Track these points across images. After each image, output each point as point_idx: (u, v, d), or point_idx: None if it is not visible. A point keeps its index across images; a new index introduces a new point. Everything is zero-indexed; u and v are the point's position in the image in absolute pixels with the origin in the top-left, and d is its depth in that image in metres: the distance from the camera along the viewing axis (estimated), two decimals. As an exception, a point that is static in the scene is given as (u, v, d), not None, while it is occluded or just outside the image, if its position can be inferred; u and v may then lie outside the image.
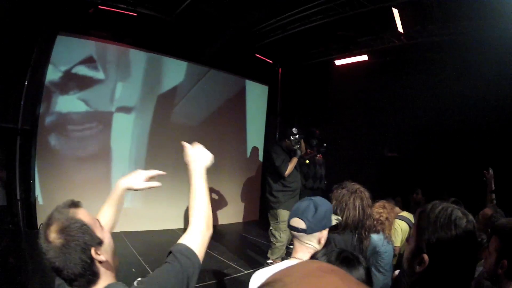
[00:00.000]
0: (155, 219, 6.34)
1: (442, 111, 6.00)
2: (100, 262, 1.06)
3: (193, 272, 1.06)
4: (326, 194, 2.30)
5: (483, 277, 1.49)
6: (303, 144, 4.89)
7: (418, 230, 1.14)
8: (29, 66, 5.23)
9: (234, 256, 5.24)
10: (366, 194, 2.23)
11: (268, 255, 4.51)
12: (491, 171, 3.80)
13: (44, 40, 5.32)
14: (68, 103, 5.63)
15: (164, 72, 6.72)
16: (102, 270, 1.07)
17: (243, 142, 8.13)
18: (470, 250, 1.08)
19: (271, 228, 4.57)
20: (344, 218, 2.10)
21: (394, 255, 3.11)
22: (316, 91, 8.40)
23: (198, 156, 1.42)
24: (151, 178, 1.59)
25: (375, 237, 2.78)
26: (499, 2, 4.79)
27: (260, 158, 8.27)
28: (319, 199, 1.68)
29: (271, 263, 4.11)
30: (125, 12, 5.61)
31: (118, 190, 1.53)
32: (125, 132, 6.26)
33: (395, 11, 5.41)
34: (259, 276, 1.56)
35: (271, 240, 4.54)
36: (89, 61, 5.76)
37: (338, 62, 7.33)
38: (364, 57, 6.88)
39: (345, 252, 1.15)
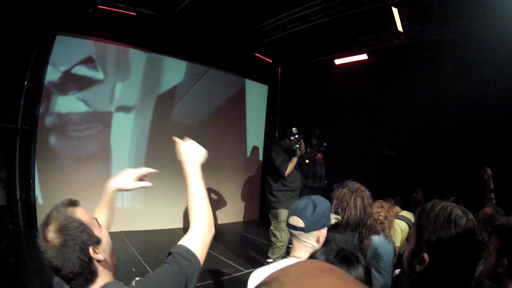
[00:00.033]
0: (155, 218, 6.34)
1: (442, 110, 6.00)
2: (98, 261, 1.06)
3: (193, 274, 1.06)
4: (326, 193, 2.30)
5: (483, 276, 1.49)
6: (302, 144, 4.88)
7: (418, 229, 1.14)
8: (29, 66, 5.22)
9: (234, 256, 5.24)
10: (366, 193, 2.22)
11: (269, 254, 4.50)
12: (489, 170, 3.80)
13: (43, 40, 5.31)
14: (67, 103, 5.63)
15: (164, 71, 6.71)
16: (100, 269, 1.07)
17: (243, 142, 8.13)
18: (470, 249, 1.08)
19: (271, 227, 4.56)
20: (345, 217, 2.10)
21: (394, 255, 3.10)
22: (316, 91, 8.40)
23: (192, 153, 1.41)
24: (143, 177, 1.54)
25: (376, 239, 2.77)
26: (498, 2, 4.79)
27: (260, 158, 8.27)
28: (317, 198, 1.68)
29: (271, 263, 4.11)
30: (124, 11, 5.60)
31: (108, 191, 1.50)
32: (125, 132, 6.26)
33: (395, 10, 5.41)
34: (258, 275, 1.56)
35: (272, 239, 4.53)
36: (88, 61, 5.75)
37: (338, 61, 7.33)
38: (364, 57, 6.88)
39: (344, 251, 1.15)
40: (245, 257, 5.27)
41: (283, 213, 4.43)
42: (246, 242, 6.32)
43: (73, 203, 1.10)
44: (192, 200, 1.27)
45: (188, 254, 1.07)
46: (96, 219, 1.14)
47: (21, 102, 5.23)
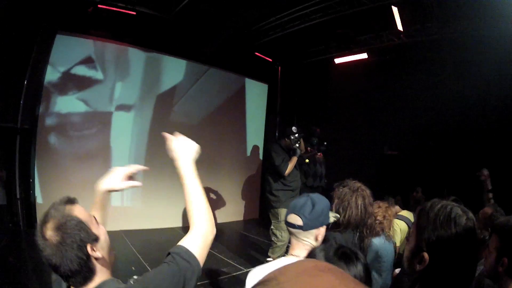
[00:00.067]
0: (154, 217, 6.34)
1: (442, 109, 6.00)
2: (96, 258, 1.06)
3: (192, 276, 1.05)
4: (327, 192, 2.29)
5: (483, 276, 1.49)
6: (302, 143, 4.87)
7: (417, 229, 1.14)
8: (29, 65, 5.22)
9: (234, 255, 5.24)
10: (367, 192, 2.21)
11: (269, 253, 4.50)
12: (485, 171, 3.79)
13: (43, 39, 5.31)
14: (67, 103, 5.63)
15: (163, 71, 6.71)
16: (98, 266, 1.07)
17: (243, 141, 8.13)
18: (471, 248, 1.07)
19: (272, 227, 4.56)
20: (346, 217, 2.09)
21: (395, 254, 3.09)
22: (316, 90, 8.40)
23: (183, 149, 1.33)
24: (133, 175, 1.50)
25: (377, 241, 2.76)
26: (499, 1, 4.78)
27: (260, 157, 8.27)
28: (316, 196, 1.66)
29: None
30: (124, 11, 5.59)
31: (99, 193, 1.48)
32: (125, 131, 6.26)
33: (395, 9, 5.40)
34: (256, 273, 1.55)
35: (272, 239, 4.52)
36: (88, 61, 5.75)
37: (337, 61, 7.32)
38: (364, 56, 6.87)
39: (343, 247, 1.15)
40: (245, 256, 5.27)
41: (283, 212, 4.42)
42: (246, 241, 6.32)
43: (71, 201, 1.10)
44: (189, 201, 1.22)
45: (187, 255, 1.06)
46: (94, 216, 1.15)
47: (21, 102, 5.22)
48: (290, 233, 1.65)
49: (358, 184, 2.22)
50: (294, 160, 4.61)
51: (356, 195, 2.14)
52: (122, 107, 6.20)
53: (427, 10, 5.51)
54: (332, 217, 1.71)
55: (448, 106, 5.87)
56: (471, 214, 1.10)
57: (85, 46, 5.72)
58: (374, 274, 2.74)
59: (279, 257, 4.39)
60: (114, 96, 6.10)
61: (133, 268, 4.20)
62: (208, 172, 7.19)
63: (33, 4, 4.96)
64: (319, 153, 5.80)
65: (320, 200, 1.65)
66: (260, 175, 8.05)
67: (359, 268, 1.10)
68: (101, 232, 1.12)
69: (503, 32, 4.99)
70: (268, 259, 4.40)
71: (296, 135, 4.62)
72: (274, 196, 4.57)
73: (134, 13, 5.63)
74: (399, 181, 6.08)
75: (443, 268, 1.06)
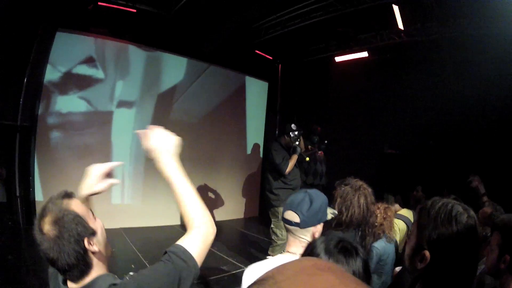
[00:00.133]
0: (154, 215, 6.34)
1: (442, 108, 5.99)
2: (93, 252, 1.07)
3: (188, 275, 1.04)
4: (327, 191, 2.28)
5: (484, 272, 1.49)
6: (302, 141, 4.85)
7: (418, 227, 1.13)
8: (29, 62, 5.21)
9: (234, 253, 5.24)
10: (369, 190, 2.18)
11: (269, 252, 4.49)
12: (475, 178, 3.77)
13: (43, 36, 5.29)
14: (68, 100, 5.62)
15: (164, 68, 6.70)
16: (95, 260, 1.08)
17: (243, 139, 8.12)
18: (472, 246, 1.07)
19: (272, 226, 4.54)
20: (348, 216, 2.06)
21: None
22: (316, 88, 8.39)
23: (163, 145, 1.23)
24: (111, 171, 1.39)
25: (378, 245, 2.76)
26: (499, 1, 4.77)
27: (260, 155, 8.27)
28: (314, 192, 1.63)
29: (270, 260, 4.09)
30: (124, 8, 5.58)
31: (81, 200, 1.36)
32: (126, 129, 6.25)
33: (396, 8, 5.39)
34: (252, 270, 1.53)
35: (273, 237, 4.50)
36: (88, 58, 5.74)
37: (338, 59, 7.31)
38: (364, 54, 6.85)
39: (344, 241, 1.13)
40: (245, 254, 5.27)
41: (283, 211, 4.40)
42: (246, 239, 6.32)
43: (68, 195, 1.10)
44: (183, 202, 1.16)
45: (185, 255, 1.05)
46: (91, 210, 1.15)
47: (21, 99, 5.21)
48: (287, 229, 1.63)
49: (360, 183, 2.19)
50: (295, 158, 4.59)
51: (358, 194, 2.11)
52: (122, 105, 6.19)
53: (427, 10, 5.50)
54: (330, 213, 1.67)
55: (448, 105, 5.86)
56: (472, 212, 1.10)
57: (85, 44, 5.71)
58: (375, 276, 2.74)
59: (279, 255, 4.38)
60: (114, 93, 6.10)
61: (132, 266, 4.20)
62: (208, 170, 7.20)
63: (33, 1, 4.95)
64: (319, 152, 5.79)
65: (318, 196, 1.62)
66: (260, 173, 8.05)
67: (358, 263, 1.08)
68: (98, 226, 1.13)
69: (504, 31, 4.98)
70: (268, 257, 4.39)
71: (296, 132, 4.60)
72: (275, 194, 4.55)
73: (135, 10, 5.62)
74: (399, 180, 6.07)
75: (445, 266, 1.06)
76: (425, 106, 6.22)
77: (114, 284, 1.03)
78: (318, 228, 1.60)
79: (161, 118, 6.60)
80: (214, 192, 7.10)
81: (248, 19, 6.05)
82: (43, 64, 5.30)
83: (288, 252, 1.60)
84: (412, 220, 3.47)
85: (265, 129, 8.53)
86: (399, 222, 3.51)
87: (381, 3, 5.26)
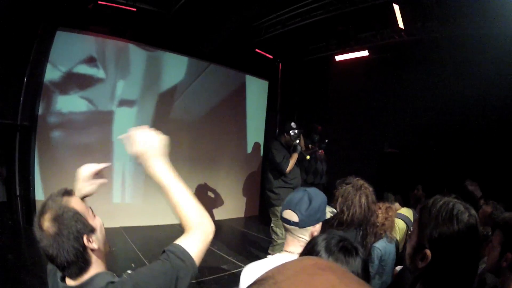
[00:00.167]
0: (154, 214, 6.33)
1: (442, 108, 5.98)
2: (92, 250, 1.08)
3: (185, 275, 1.04)
4: (327, 190, 2.27)
5: (486, 270, 1.49)
6: (302, 139, 4.84)
7: (419, 225, 1.13)
8: (29, 61, 5.20)
9: (234, 252, 5.24)
10: (370, 189, 2.18)
11: (269, 251, 4.48)
12: (470, 183, 3.78)
13: (43, 35, 5.29)
14: (68, 100, 5.62)
15: (164, 67, 6.69)
16: (94, 258, 1.09)
17: (243, 137, 8.12)
18: (473, 245, 1.07)
19: (272, 225, 4.53)
20: (349, 215, 2.05)
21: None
22: (317, 87, 8.39)
23: (149, 147, 1.17)
24: (100, 172, 1.38)
25: (379, 246, 2.75)
26: (499, 1, 4.77)
27: (261, 154, 8.27)
28: (313, 191, 1.62)
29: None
30: (124, 7, 5.57)
31: None
32: (126, 128, 6.20)
33: (396, 7, 5.39)
34: (250, 269, 1.52)
35: (273, 237, 4.49)
36: (88, 57, 5.73)
37: (338, 58, 7.29)
38: (365, 53, 6.84)
39: (345, 241, 1.13)
40: (245, 253, 5.27)
41: (283, 210, 4.38)
42: (246, 238, 6.32)
43: (68, 193, 1.11)
44: (177, 203, 1.14)
45: (183, 255, 1.05)
46: (90, 208, 1.16)
47: (21, 98, 5.20)
48: (285, 229, 1.62)
49: (361, 182, 2.18)
50: (295, 157, 4.58)
51: (359, 194, 2.10)
52: (123, 104, 6.20)
53: (427, 9, 5.49)
54: (329, 212, 1.66)
55: (449, 104, 5.85)
56: (473, 211, 1.10)
57: (86, 43, 5.70)
58: (376, 276, 2.73)
59: (279, 255, 4.37)
60: (115, 93, 6.10)
61: (132, 265, 4.20)
62: (208, 169, 7.21)
63: (33, 0, 4.94)
64: (320, 151, 5.78)
65: (318, 195, 1.60)
66: (261, 172, 8.04)
67: (357, 264, 1.08)
68: (97, 223, 1.14)
69: (504, 31, 4.98)
70: (269, 256, 4.38)
71: (296, 131, 4.59)
72: (275, 193, 4.54)
73: (135, 9, 5.62)
74: (399, 179, 6.06)
75: (446, 265, 1.05)
76: (425, 105, 6.22)
77: (112, 282, 1.03)
78: (317, 228, 1.58)
79: (161, 117, 6.61)
80: (214, 191, 7.10)
81: (248, 18, 6.04)
82: (43, 63, 5.29)
83: (287, 251, 1.59)
84: (412, 219, 3.47)
85: (265, 128, 8.53)
86: (399, 221, 3.50)
87: (382, 2, 5.25)
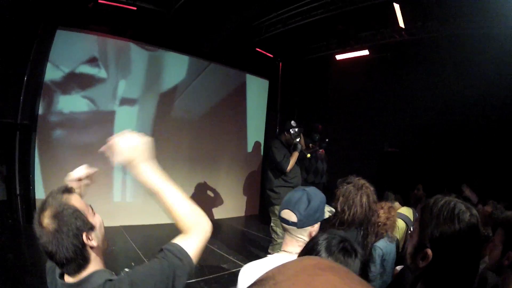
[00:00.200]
0: (154, 213, 6.31)
1: (442, 107, 5.98)
2: (92, 247, 1.09)
3: (182, 273, 1.04)
4: (328, 189, 2.27)
5: (487, 268, 1.50)
6: (302, 138, 4.82)
7: (421, 225, 1.13)
8: (29, 60, 5.20)
9: (234, 251, 5.24)
10: (371, 189, 2.17)
11: (269, 250, 4.46)
12: (466, 188, 3.79)
13: (43, 34, 5.28)
14: (70, 99, 5.63)
15: (164, 66, 6.69)
16: (92, 255, 1.09)
17: (244, 136, 8.13)
18: (474, 244, 1.07)
19: (272, 224, 4.51)
20: (350, 215, 2.05)
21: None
22: (317, 86, 8.38)
23: (135, 153, 1.12)
24: (88, 177, 1.41)
25: (381, 245, 2.75)
26: (499, 0, 4.76)
27: (261, 153, 8.27)
28: (313, 191, 1.60)
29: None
30: (124, 6, 5.57)
31: None
32: (128, 127, 6.18)
33: (396, 6, 5.38)
34: (248, 270, 1.52)
35: (273, 236, 4.47)
36: (89, 57, 5.73)
37: (338, 57, 7.29)
38: (365, 52, 6.84)
39: (346, 242, 1.13)
40: (245, 252, 5.27)
41: (283, 209, 4.37)
42: (246, 237, 6.32)
43: (68, 190, 1.12)
44: (172, 208, 1.12)
45: (180, 253, 1.05)
46: (90, 206, 1.16)
47: (21, 97, 5.20)
48: (284, 228, 1.61)
49: (362, 181, 2.18)
50: (296, 155, 4.56)
51: (360, 193, 2.10)
52: (124, 103, 6.20)
53: (427, 8, 5.49)
54: (327, 211, 1.64)
55: (449, 104, 5.85)
56: (474, 211, 1.09)
57: (86, 42, 5.69)
58: (377, 276, 2.73)
59: (279, 254, 4.36)
60: (116, 92, 6.10)
61: (133, 264, 4.20)
62: (208, 168, 7.20)
63: (33, -1, 4.95)
64: (320, 150, 5.77)
65: (317, 195, 1.59)
66: (261, 172, 8.04)
67: (356, 265, 1.09)
68: (96, 221, 1.14)
69: (504, 31, 4.98)
70: (268, 256, 4.37)
71: (296, 129, 4.57)
72: (275, 193, 4.52)
73: (135, 8, 5.61)
74: (399, 178, 6.07)
75: (447, 265, 1.05)
76: (426, 105, 6.22)
77: (110, 280, 1.04)
78: (315, 228, 1.58)
79: (162, 116, 6.62)
80: (214, 190, 7.09)
81: (249, 16, 6.03)
82: (43, 63, 5.29)
83: (285, 251, 1.58)
84: (411, 219, 3.47)
85: (265, 127, 8.53)
86: (399, 220, 3.49)
87: (382, 1, 5.25)
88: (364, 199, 2.10)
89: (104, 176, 5.82)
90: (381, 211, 2.83)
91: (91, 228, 1.09)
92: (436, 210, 1.09)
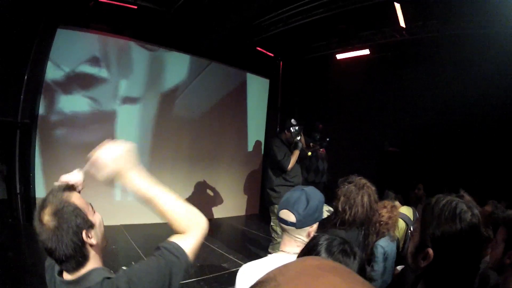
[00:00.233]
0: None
1: (443, 107, 5.98)
2: (91, 245, 1.10)
3: (179, 270, 1.05)
4: (328, 189, 2.27)
5: (488, 267, 1.50)
6: (302, 137, 4.81)
7: (422, 224, 1.13)
8: (29, 59, 5.19)
9: (235, 250, 5.24)
10: (372, 189, 2.17)
11: (269, 250, 4.45)
12: (463, 193, 3.78)
13: (43, 33, 5.28)
14: (71, 98, 5.62)
15: (165, 65, 6.68)
16: (92, 253, 1.10)
17: (244, 136, 8.12)
18: (475, 244, 1.07)
19: (272, 223, 4.49)
20: (352, 215, 2.05)
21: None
22: (317, 85, 8.38)
23: (120, 164, 1.09)
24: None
25: (383, 244, 2.75)
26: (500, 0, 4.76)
27: (262, 152, 8.26)
28: (311, 190, 1.59)
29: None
30: (125, 5, 5.56)
31: None
32: (129, 126, 6.26)
33: (397, 6, 5.37)
34: (246, 270, 1.52)
35: (273, 235, 4.45)
36: (90, 55, 5.73)
37: (339, 56, 7.29)
38: (366, 51, 6.83)
39: (347, 244, 1.14)
40: (245, 251, 5.27)
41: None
42: (247, 236, 6.32)
43: (69, 188, 1.13)
44: (167, 213, 1.11)
45: (177, 251, 1.06)
46: (90, 204, 1.17)
47: (21, 96, 5.20)
48: (282, 229, 1.60)
49: (363, 181, 2.17)
50: (296, 154, 4.54)
51: (362, 193, 2.09)
52: (125, 102, 6.20)
53: (428, 8, 5.48)
54: (326, 211, 1.63)
55: (449, 104, 5.85)
56: (476, 211, 1.09)
57: (87, 42, 5.68)
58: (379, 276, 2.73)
59: (279, 254, 4.35)
60: (116, 91, 6.10)
61: (133, 263, 4.18)
62: (209, 167, 7.20)
63: (33, -2, 4.95)
64: (321, 149, 5.76)
65: (315, 195, 1.58)
66: (261, 171, 8.05)
67: (354, 266, 1.09)
68: (96, 219, 1.15)
69: (505, 31, 4.97)
70: (269, 255, 4.36)
71: (296, 127, 4.56)
72: (275, 192, 4.50)
73: (135, 7, 5.60)
74: (399, 178, 6.06)
75: (448, 264, 1.05)
76: (426, 104, 6.21)
77: (108, 278, 1.05)
78: (314, 227, 1.57)
79: (163, 115, 6.62)
80: (215, 189, 7.09)
81: (249, 15, 6.02)
82: (44, 61, 5.28)
83: (283, 251, 1.57)
84: (411, 218, 3.48)
85: (266, 126, 8.53)
86: (399, 220, 3.50)
87: (383, 1, 5.24)
88: (366, 199, 2.09)
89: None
90: (384, 210, 2.83)
91: (91, 226, 1.10)
92: (437, 210, 1.09)
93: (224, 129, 7.61)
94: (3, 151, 5.29)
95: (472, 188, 3.65)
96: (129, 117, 6.25)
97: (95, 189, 1.46)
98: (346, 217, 2.05)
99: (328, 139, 5.77)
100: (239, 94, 7.98)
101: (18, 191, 5.18)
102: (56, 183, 1.18)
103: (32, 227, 1.06)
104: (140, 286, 1.01)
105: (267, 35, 7.03)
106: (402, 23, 5.70)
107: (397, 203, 3.88)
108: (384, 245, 2.75)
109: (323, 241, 1.12)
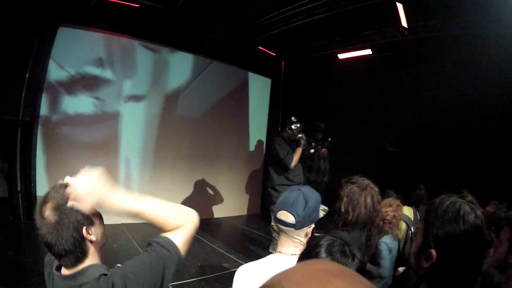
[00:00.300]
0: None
1: (444, 106, 5.98)
2: (90, 241, 1.12)
3: (171, 263, 1.08)
4: (329, 189, 2.26)
5: (491, 266, 1.50)
6: (303, 136, 4.79)
7: (425, 225, 1.13)
8: (30, 57, 5.20)
9: (236, 250, 5.23)
10: (375, 190, 2.16)
11: (270, 249, 4.44)
12: (467, 194, 3.78)
13: (44, 31, 5.27)
14: (74, 96, 5.62)
15: (168, 65, 6.69)
16: (91, 249, 1.13)
17: (246, 135, 8.13)
18: (478, 246, 1.07)
19: (272, 223, 4.47)
20: (354, 216, 2.03)
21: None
22: (319, 85, 8.37)
23: (97, 190, 1.07)
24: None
25: (387, 241, 2.74)
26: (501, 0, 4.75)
27: (263, 151, 8.26)
28: (308, 190, 1.58)
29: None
30: (126, 3, 5.56)
31: None
32: (132, 126, 6.27)
33: (399, 6, 5.36)
34: (244, 271, 1.51)
35: (273, 235, 4.44)
36: (93, 56, 5.73)
37: (341, 56, 7.29)
38: (368, 51, 6.82)
39: (347, 246, 1.14)
40: (246, 251, 5.27)
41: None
42: (248, 236, 6.31)
43: None
44: (157, 219, 1.13)
45: (168, 245, 1.09)
46: None
47: (23, 94, 5.20)
48: (280, 229, 1.57)
49: (366, 182, 2.16)
50: (299, 151, 4.52)
51: (365, 194, 2.08)
52: (129, 102, 6.20)
53: (428, 9, 5.47)
54: (321, 210, 1.61)
55: (450, 104, 5.85)
56: (479, 212, 1.09)
57: (89, 40, 5.68)
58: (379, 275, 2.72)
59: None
60: (120, 91, 6.11)
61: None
62: (210, 167, 7.21)
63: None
64: (323, 149, 5.75)
65: (313, 195, 1.56)
66: (263, 170, 8.05)
67: (352, 268, 1.08)
68: (97, 217, 1.17)
69: (505, 31, 4.96)
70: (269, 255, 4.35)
71: (298, 124, 4.55)
72: (277, 191, 4.47)
73: (137, 5, 5.60)
74: (400, 178, 6.06)
75: (450, 265, 1.05)
76: (427, 104, 6.21)
77: (105, 275, 1.07)
78: (311, 227, 1.56)
79: (165, 114, 6.62)
80: (216, 188, 7.09)
81: (251, 15, 6.01)
82: (45, 60, 5.28)
83: (280, 252, 1.55)
84: (412, 219, 3.47)
85: (267, 126, 8.53)
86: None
87: (384, 0, 5.23)
88: (369, 200, 2.07)
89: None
90: (390, 209, 2.82)
91: (91, 223, 1.13)
92: (441, 211, 1.09)
93: (226, 128, 7.61)
94: (4, 149, 5.29)
95: (473, 189, 3.65)
96: (134, 116, 6.27)
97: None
98: (349, 218, 2.03)
99: (330, 139, 5.76)
100: (241, 93, 7.98)
101: (19, 189, 5.19)
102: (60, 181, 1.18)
103: (33, 225, 1.07)
104: (135, 281, 1.03)
105: (268, 34, 7.02)
106: (404, 23, 5.69)
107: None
108: (388, 242, 2.74)
109: (323, 242, 1.12)
